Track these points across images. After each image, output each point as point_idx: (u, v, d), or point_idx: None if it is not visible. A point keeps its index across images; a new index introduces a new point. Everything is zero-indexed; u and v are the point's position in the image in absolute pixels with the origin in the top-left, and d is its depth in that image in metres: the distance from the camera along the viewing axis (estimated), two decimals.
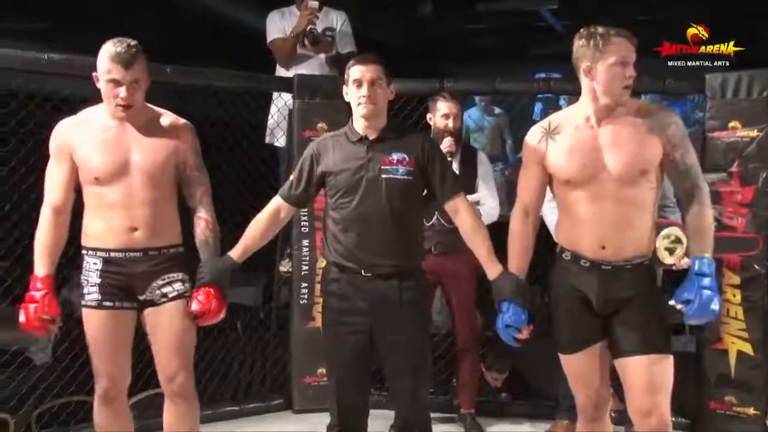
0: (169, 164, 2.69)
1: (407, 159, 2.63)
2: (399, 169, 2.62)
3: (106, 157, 2.63)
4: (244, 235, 2.74)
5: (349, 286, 2.64)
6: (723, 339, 3.63)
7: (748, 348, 3.59)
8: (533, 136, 2.56)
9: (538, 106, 6.64)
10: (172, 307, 2.69)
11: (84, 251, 2.71)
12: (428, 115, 3.69)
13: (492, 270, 2.59)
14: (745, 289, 3.60)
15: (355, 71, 2.64)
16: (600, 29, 2.42)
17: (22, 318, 2.65)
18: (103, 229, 2.66)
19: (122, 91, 2.59)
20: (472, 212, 2.68)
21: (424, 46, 6.96)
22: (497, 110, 6.39)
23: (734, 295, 3.61)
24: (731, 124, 3.61)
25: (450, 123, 3.59)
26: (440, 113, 3.59)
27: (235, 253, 2.72)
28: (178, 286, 2.71)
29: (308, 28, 4.22)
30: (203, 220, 2.74)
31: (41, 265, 2.67)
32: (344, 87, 2.69)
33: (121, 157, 2.63)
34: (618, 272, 2.45)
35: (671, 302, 2.42)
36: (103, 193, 2.64)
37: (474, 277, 3.60)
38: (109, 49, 2.61)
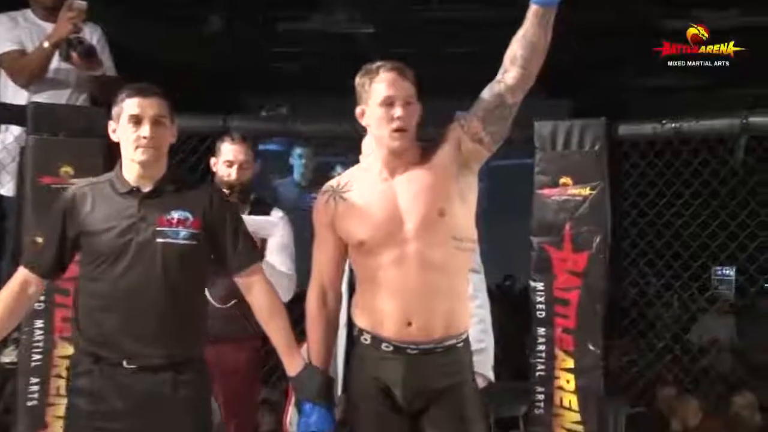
0: None
1: (191, 219, 2.34)
2: (180, 232, 2.33)
3: None
4: None
5: (104, 383, 2.30)
6: None
7: None
8: (321, 197, 2.41)
9: None
10: None
11: None
12: (212, 160, 3.12)
13: (291, 365, 2.37)
14: (580, 374, 3.21)
15: (132, 105, 2.31)
16: (374, 65, 2.31)
17: None
18: None
19: None
20: (269, 289, 2.41)
21: (216, 70, 6.23)
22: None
23: (568, 382, 3.21)
24: (562, 180, 3.28)
25: (234, 173, 3.01)
26: (223, 159, 3.02)
27: None
28: None
29: (73, 36, 3.51)
30: None
31: None
32: (111, 123, 2.37)
33: None
34: (427, 357, 2.31)
35: None
36: None
37: (256, 369, 3.13)
38: None
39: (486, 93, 2.29)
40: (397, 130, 2.25)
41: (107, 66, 3.69)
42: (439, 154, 2.32)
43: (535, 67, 2.23)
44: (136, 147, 2.31)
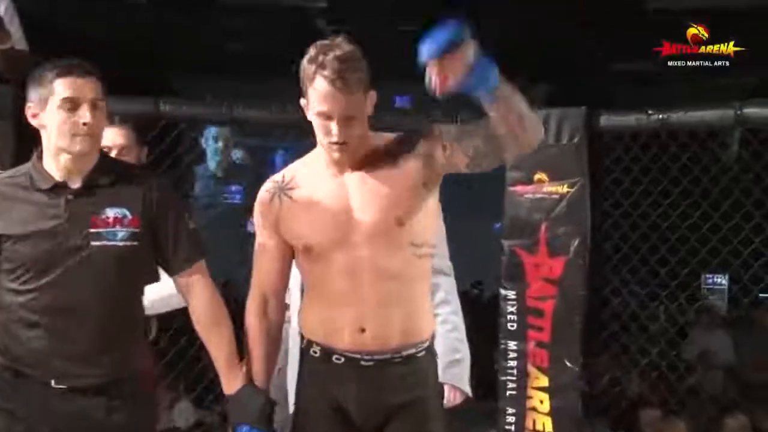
0: None
1: (129, 216, 2.16)
2: (117, 233, 2.14)
3: None
4: None
5: (26, 402, 2.14)
6: None
7: None
8: (263, 195, 2.25)
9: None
10: None
11: None
12: None
13: (230, 382, 2.23)
14: (555, 393, 3.07)
15: (65, 86, 2.10)
16: (321, 55, 2.12)
17: None
18: None
19: None
20: (211, 292, 2.25)
21: (146, 47, 5.97)
22: None
23: (542, 402, 3.08)
24: (537, 177, 3.13)
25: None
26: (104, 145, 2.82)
27: None
28: None
29: None
30: None
31: None
32: (30, 106, 2.15)
33: None
34: (384, 368, 2.19)
35: None
36: None
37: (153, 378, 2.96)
38: None
39: (482, 134, 2.10)
40: (335, 143, 2.12)
41: (16, 38, 3.43)
42: (405, 161, 2.18)
43: (525, 141, 2.06)
44: (74, 135, 2.09)
